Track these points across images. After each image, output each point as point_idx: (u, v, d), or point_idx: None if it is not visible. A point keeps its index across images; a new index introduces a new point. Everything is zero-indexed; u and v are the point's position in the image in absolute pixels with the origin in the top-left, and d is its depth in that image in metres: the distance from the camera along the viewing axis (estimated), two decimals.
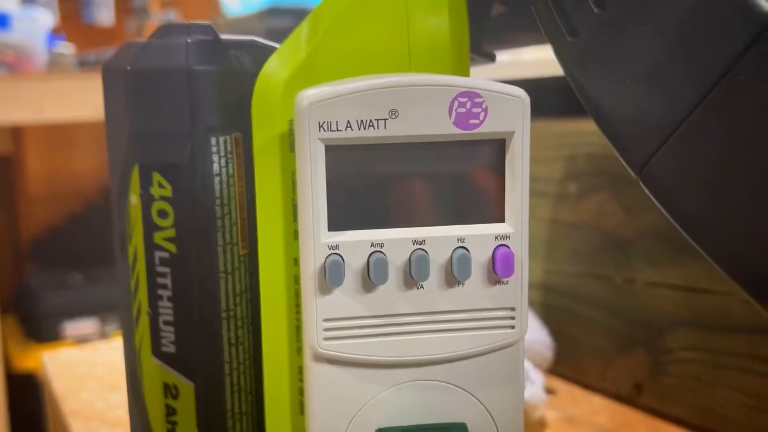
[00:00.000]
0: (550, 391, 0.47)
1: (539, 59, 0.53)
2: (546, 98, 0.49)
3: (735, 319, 0.39)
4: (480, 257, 0.25)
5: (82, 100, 1.44)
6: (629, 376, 0.45)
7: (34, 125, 1.64)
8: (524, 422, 0.43)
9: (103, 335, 1.58)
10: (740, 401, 0.39)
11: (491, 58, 0.32)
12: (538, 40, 0.37)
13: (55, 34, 1.62)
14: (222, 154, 0.30)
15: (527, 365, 0.42)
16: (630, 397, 0.45)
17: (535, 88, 0.44)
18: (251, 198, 0.30)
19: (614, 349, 0.46)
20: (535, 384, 0.42)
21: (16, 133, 1.75)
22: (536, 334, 0.47)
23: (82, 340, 1.53)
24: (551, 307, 0.50)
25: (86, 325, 1.59)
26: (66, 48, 1.61)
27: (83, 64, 1.60)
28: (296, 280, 0.29)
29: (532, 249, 0.50)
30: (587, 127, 0.46)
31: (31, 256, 1.76)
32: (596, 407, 0.46)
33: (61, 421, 0.51)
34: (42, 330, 1.55)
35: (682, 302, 0.42)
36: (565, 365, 0.49)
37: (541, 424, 0.43)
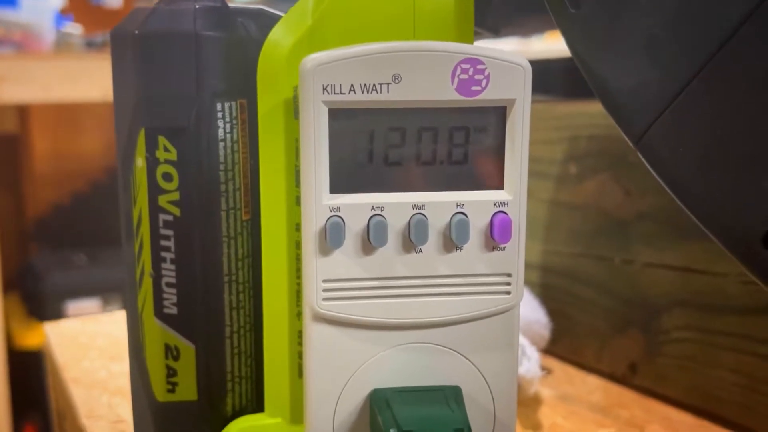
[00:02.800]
0: (546, 369, 0.48)
1: (547, 50, 0.53)
2: (548, 79, 0.49)
3: (730, 300, 0.40)
4: (478, 223, 0.25)
5: (90, 81, 1.44)
6: (624, 356, 0.46)
7: (41, 105, 1.64)
8: (519, 397, 0.44)
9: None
10: (734, 381, 0.40)
11: (495, 32, 0.33)
12: (543, 25, 0.38)
13: (63, 15, 1.62)
14: (227, 119, 0.30)
15: (524, 342, 0.43)
16: (624, 377, 0.46)
17: (538, 69, 0.45)
18: (254, 164, 0.31)
19: (610, 329, 0.46)
20: (531, 360, 0.43)
21: (23, 112, 1.76)
22: (534, 314, 0.48)
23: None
24: (549, 287, 0.50)
25: (89, 305, 1.60)
26: (74, 28, 1.62)
27: (90, 45, 1.60)
28: (297, 245, 0.29)
29: (532, 229, 0.51)
30: (589, 108, 0.47)
31: (35, 236, 1.77)
32: (591, 386, 0.46)
33: (63, 390, 0.51)
34: (45, 309, 1.56)
35: (679, 283, 0.42)
36: (562, 345, 0.49)
37: (536, 400, 0.44)
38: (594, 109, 0.46)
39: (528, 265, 0.45)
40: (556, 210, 0.49)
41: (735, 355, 0.40)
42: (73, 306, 1.58)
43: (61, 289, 1.57)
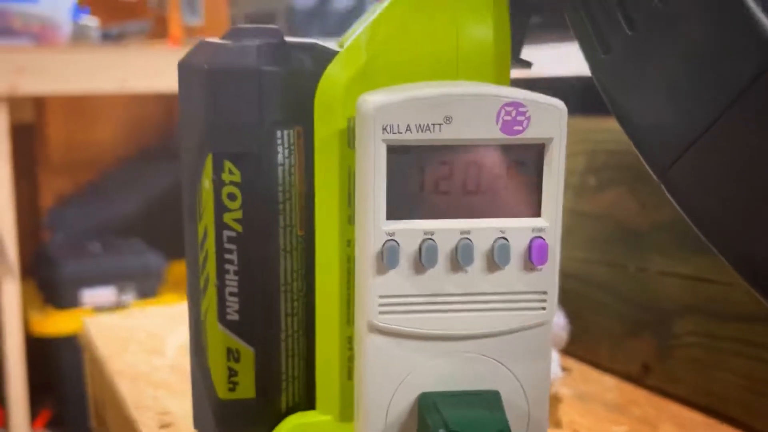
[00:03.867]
0: (564, 369, 0.51)
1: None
2: (570, 97, 0.52)
3: (736, 308, 0.43)
4: (518, 247, 0.29)
5: (106, 73, 1.47)
6: (638, 357, 0.49)
7: (57, 96, 1.67)
8: None
9: (120, 303, 1.62)
10: (737, 383, 0.43)
11: (528, 66, 0.36)
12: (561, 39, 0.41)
13: (80, 7, 1.65)
14: (286, 145, 0.33)
15: None
16: (638, 377, 0.49)
17: (560, 86, 0.48)
18: (310, 186, 0.34)
19: (624, 332, 0.50)
20: (552, 362, 0.46)
21: (39, 102, 1.78)
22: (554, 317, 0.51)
23: (99, 307, 1.58)
24: (568, 291, 0.53)
25: (104, 293, 1.62)
26: (90, 21, 1.64)
27: (107, 38, 1.62)
28: (348, 259, 0.33)
29: None
30: (607, 125, 0.50)
31: (50, 224, 1.80)
32: (606, 386, 0.50)
33: (107, 382, 0.55)
34: (61, 296, 1.59)
35: (690, 290, 0.46)
36: (579, 346, 0.53)
37: (556, 398, 0.47)
38: (613, 125, 0.49)
39: None
40: (575, 218, 0.52)
41: (740, 360, 0.43)
42: (88, 294, 1.61)
43: (77, 277, 1.60)
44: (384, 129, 0.27)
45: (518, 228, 0.29)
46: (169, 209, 1.81)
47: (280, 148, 0.33)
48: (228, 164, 0.33)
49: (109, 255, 1.66)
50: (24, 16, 1.54)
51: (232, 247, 0.33)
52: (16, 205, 1.42)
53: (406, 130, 0.27)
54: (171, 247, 1.70)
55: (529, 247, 0.29)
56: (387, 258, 0.28)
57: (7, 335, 1.43)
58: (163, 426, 0.45)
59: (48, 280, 1.62)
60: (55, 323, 1.58)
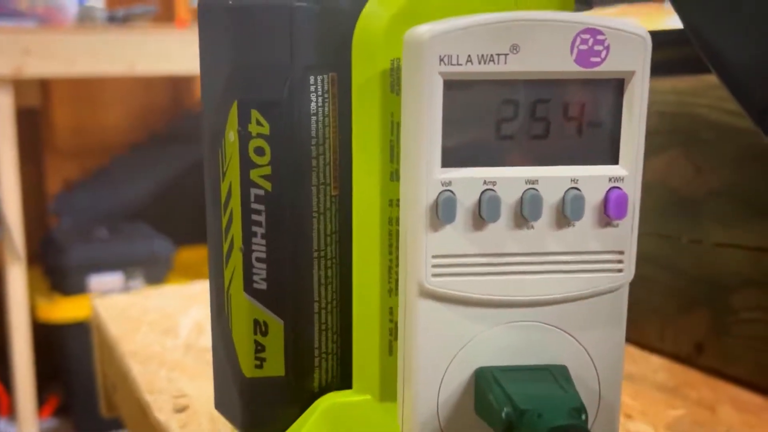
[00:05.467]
0: None
1: None
2: None
3: None
4: (592, 199, 0.25)
5: (112, 55, 1.44)
6: (690, 335, 0.45)
7: (63, 79, 1.64)
8: None
9: (127, 289, 1.59)
10: None
11: (588, 6, 0.32)
12: None
13: None
14: (319, 93, 0.30)
15: None
16: (690, 357, 0.46)
17: None
18: (346, 139, 0.30)
19: (675, 308, 0.46)
20: None
21: (45, 86, 1.75)
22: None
23: (106, 293, 1.55)
24: None
25: (111, 279, 1.60)
26: (96, 2, 1.61)
27: (112, 19, 1.59)
28: (390, 221, 0.29)
29: None
30: (659, 85, 0.46)
31: (57, 209, 1.77)
32: (655, 366, 0.46)
33: (119, 364, 0.51)
34: (68, 282, 1.57)
35: (751, 262, 0.42)
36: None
37: None
38: (663, 86, 0.46)
39: None
40: None
41: None
42: (95, 280, 1.59)
43: (83, 262, 1.58)
44: (441, 60, 0.24)
45: (593, 177, 0.25)
46: (177, 195, 1.79)
47: (313, 96, 0.29)
48: (255, 114, 0.29)
49: (116, 241, 1.63)
50: None
51: (260, 207, 0.30)
52: (23, 190, 1.39)
53: (467, 61, 0.24)
54: (179, 233, 1.67)
55: (606, 199, 0.25)
56: (442, 211, 0.24)
57: (13, 322, 1.41)
58: (179, 409, 0.41)
59: (55, 267, 1.60)
60: (62, 310, 1.56)
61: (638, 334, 0.48)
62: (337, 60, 0.30)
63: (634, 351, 0.48)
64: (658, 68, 0.44)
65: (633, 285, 0.48)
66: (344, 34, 0.29)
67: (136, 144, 1.83)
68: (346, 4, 0.30)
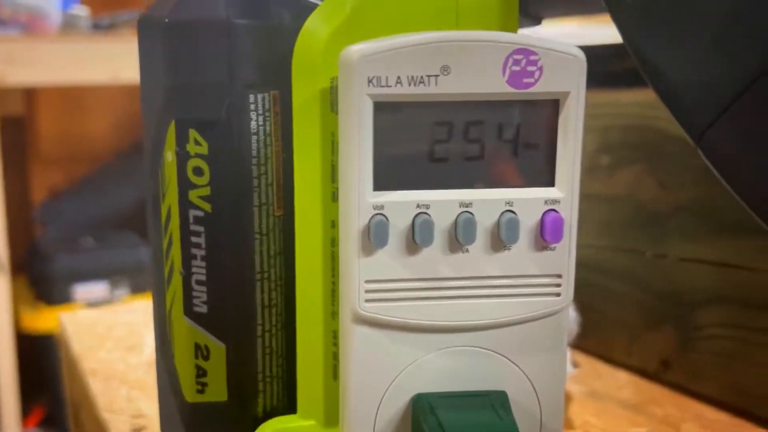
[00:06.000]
0: (574, 365, 0.47)
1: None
2: None
3: None
4: (528, 222, 0.24)
5: (97, 63, 1.43)
6: (656, 351, 0.45)
7: (47, 87, 1.63)
8: None
9: (113, 299, 1.58)
10: None
11: (537, 21, 0.31)
12: (581, 10, 0.37)
13: None
14: (260, 111, 0.29)
15: None
16: (656, 373, 0.45)
17: None
18: (287, 159, 0.30)
19: (641, 324, 0.45)
20: None
21: (29, 94, 1.75)
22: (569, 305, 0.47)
23: (92, 303, 1.54)
24: (578, 280, 0.49)
25: (97, 289, 1.59)
26: (80, 10, 1.60)
27: (97, 27, 1.58)
28: (333, 242, 0.28)
29: None
30: (623, 98, 0.45)
31: (42, 218, 1.76)
32: (621, 382, 0.45)
33: (80, 381, 0.51)
34: (53, 292, 1.56)
35: (716, 278, 0.41)
36: (590, 340, 0.48)
37: (566, 397, 0.43)
38: (627, 99, 0.45)
39: None
40: (586, 202, 0.47)
41: None
42: (81, 289, 1.58)
43: (69, 272, 1.57)
44: (370, 82, 0.23)
45: (528, 199, 0.24)
46: None
47: (253, 115, 0.29)
48: (193, 133, 0.28)
49: (101, 249, 1.62)
50: (12, 4, 1.51)
51: (199, 228, 0.29)
52: (7, 199, 1.38)
53: (396, 83, 0.23)
54: None
55: (542, 222, 0.24)
56: (374, 235, 0.24)
57: None
58: (136, 430, 0.41)
59: (40, 276, 1.59)
60: (47, 320, 1.54)
61: (605, 349, 0.48)
62: (280, 78, 0.29)
63: (600, 366, 0.47)
64: (620, 80, 0.43)
65: (599, 299, 0.48)
66: (286, 51, 0.28)
67: (121, 152, 1.82)
68: (288, 20, 0.29)
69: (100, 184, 1.79)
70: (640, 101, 0.44)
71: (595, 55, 0.44)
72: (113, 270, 1.60)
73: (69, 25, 1.56)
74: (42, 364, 1.59)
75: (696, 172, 0.41)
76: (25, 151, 1.77)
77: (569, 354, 0.43)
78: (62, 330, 0.59)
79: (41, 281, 1.59)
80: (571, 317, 0.47)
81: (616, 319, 0.47)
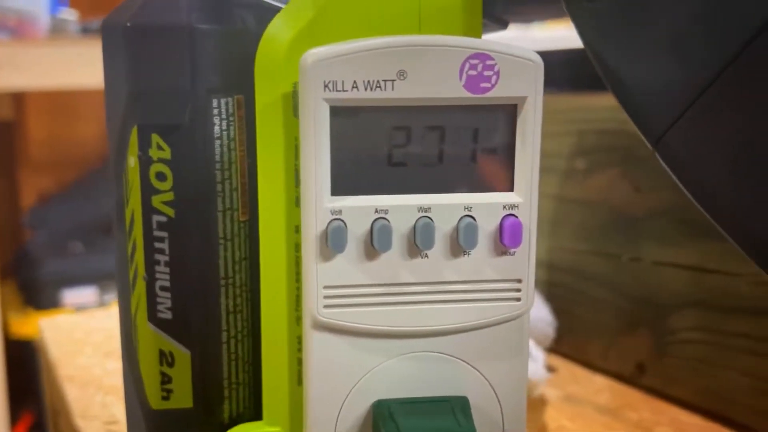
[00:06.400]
0: (550, 369, 0.47)
1: (548, 37, 0.52)
2: (554, 72, 0.48)
3: (744, 301, 0.39)
4: (487, 227, 0.24)
5: (86, 68, 1.43)
6: (632, 356, 0.45)
7: (36, 91, 1.62)
8: None
9: (102, 303, 1.58)
10: (747, 384, 0.39)
11: (503, 25, 0.31)
12: (548, 14, 0.36)
13: (58, 0, 1.60)
14: (223, 116, 0.29)
15: (529, 343, 0.42)
16: (632, 377, 0.45)
17: (544, 61, 0.43)
18: (252, 163, 0.30)
19: (617, 328, 0.45)
20: (537, 362, 0.42)
21: (18, 98, 1.74)
22: (538, 312, 0.47)
23: (81, 307, 1.53)
24: (554, 284, 0.49)
25: (85, 293, 1.58)
26: (69, 14, 1.59)
27: (86, 31, 1.58)
28: (297, 248, 0.28)
29: (537, 225, 0.50)
30: (598, 102, 0.45)
31: (31, 223, 1.76)
32: (597, 386, 0.45)
33: (57, 388, 0.50)
34: (41, 297, 1.55)
35: (690, 282, 0.41)
36: (567, 344, 0.48)
37: (541, 401, 0.43)
38: (602, 102, 0.45)
39: None
40: (561, 206, 0.48)
41: (748, 357, 0.39)
42: (69, 294, 1.57)
43: (58, 277, 1.56)
44: (326, 86, 0.23)
45: (487, 204, 0.24)
46: None
47: (216, 120, 0.29)
48: (156, 138, 0.28)
49: (91, 254, 1.62)
50: (0, 9, 1.50)
51: (163, 234, 0.29)
52: None
53: (353, 87, 0.23)
54: None
55: (500, 227, 0.24)
56: (332, 241, 0.24)
57: None
58: None
59: (28, 281, 1.58)
60: (36, 325, 1.53)
61: (582, 353, 0.48)
62: (243, 82, 0.29)
63: (578, 371, 0.47)
64: (596, 84, 0.43)
65: (575, 303, 0.47)
66: (250, 56, 0.28)
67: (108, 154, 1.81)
68: (251, 24, 0.29)
69: (89, 189, 1.78)
70: (615, 105, 0.44)
71: (570, 58, 0.44)
72: (102, 275, 1.59)
73: (57, 29, 1.56)
74: (31, 370, 1.58)
75: (670, 177, 0.41)
76: (13, 156, 1.77)
77: (544, 358, 0.43)
78: (41, 335, 0.59)
79: (30, 286, 1.58)
80: (547, 321, 0.47)
81: (592, 323, 0.47)
